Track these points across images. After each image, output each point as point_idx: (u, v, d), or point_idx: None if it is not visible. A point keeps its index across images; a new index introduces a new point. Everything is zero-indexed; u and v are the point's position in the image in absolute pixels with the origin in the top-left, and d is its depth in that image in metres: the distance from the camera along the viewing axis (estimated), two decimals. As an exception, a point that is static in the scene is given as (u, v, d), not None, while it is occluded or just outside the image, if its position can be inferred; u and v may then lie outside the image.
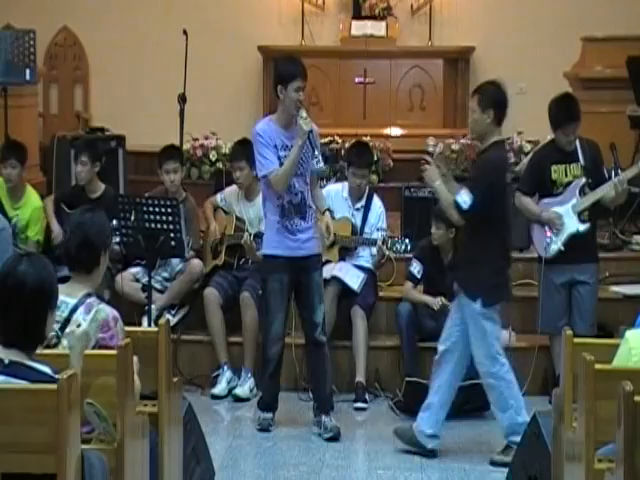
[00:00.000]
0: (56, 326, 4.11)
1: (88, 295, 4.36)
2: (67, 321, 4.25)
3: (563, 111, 6.64)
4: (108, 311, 4.33)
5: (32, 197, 7.76)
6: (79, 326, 3.89)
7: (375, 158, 9.04)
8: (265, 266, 6.43)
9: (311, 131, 6.15)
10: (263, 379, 6.58)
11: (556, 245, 6.67)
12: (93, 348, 4.32)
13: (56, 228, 7.61)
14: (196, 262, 7.39)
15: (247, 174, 7.30)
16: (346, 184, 7.39)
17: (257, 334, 7.19)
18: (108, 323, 4.29)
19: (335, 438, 6.36)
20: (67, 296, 4.33)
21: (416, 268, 7.10)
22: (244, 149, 7.41)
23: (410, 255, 7.17)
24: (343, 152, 9.34)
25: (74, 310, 4.31)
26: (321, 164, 6.44)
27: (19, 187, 7.71)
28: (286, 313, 6.39)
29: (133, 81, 11.14)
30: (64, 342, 4.15)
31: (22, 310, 3.63)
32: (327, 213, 6.45)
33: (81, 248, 4.42)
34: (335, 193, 7.35)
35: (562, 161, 6.69)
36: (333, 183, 8.00)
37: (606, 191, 6.60)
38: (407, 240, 7.00)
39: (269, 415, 6.53)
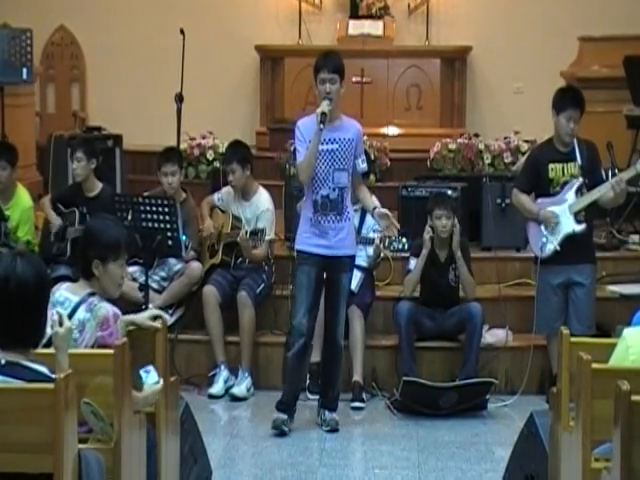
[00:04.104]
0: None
1: (91, 294, 4.39)
2: (69, 318, 4.27)
3: (569, 94, 6.67)
4: (108, 308, 4.35)
5: (22, 197, 7.74)
6: (61, 324, 3.88)
7: (372, 158, 9.04)
8: (296, 259, 6.45)
9: (323, 120, 6.09)
10: (283, 376, 6.59)
11: (552, 245, 6.66)
12: (92, 347, 4.34)
13: (54, 219, 7.60)
14: (195, 265, 7.38)
15: (239, 175, 7.31)
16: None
17: (254, 334, 7.21)
18: (108, 320, 4.31)
19: (333, 430, 6.43)
20: (71, 293, 4.40)
21: (414, 266, 7.09)
22: (235, 151, 7.45)
23: (407, 254, 7.16)
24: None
25: (76, 308, 4.36)
26: (365, 165, 6.41)
27: (9, 188, 7.71)
28: (311, 308, 6.31)
29: (130, 80, 11.14)
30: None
31: (26, 310, 3.60)
32: (378, 209, 6.36)
33: (78, 255, 4.52)
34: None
35: (559, 160, 6.68)
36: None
37: (604, 192, 6.58)
38: (404, 239, 6.99)
39: (283, 416, 6.44)
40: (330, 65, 6.29)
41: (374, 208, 6.38)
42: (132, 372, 4.21)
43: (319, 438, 6.39)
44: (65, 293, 4.42)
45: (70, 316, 4.30)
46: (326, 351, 6.55)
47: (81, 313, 4.35)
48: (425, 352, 7.17)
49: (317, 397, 6.67)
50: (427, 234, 6.98)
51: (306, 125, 6.30)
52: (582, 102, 6.65)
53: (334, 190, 6.27)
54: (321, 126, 6.14)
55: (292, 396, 6.48)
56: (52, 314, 3.89)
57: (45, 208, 7.72)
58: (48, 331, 3.94)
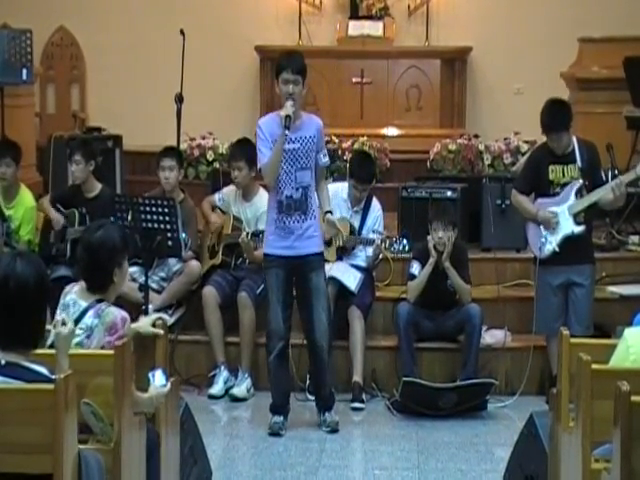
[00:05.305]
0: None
1: (100, 300, 4.40)
2: (77, 322, 4.28)
3: (547, 118, 6.58)
4: (116, 313, 4.35)
5: (25, 197, 7.75)
6: (64, 324, 3.88)
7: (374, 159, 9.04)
8: (264, 263, 6.46)
9: (288, 125, 6.06)
10: (268, 378, 6.58)
11: (551, 245, 6.67)
12: None
13: (55, 216, 7.59)
14: (194, 264, 7.38)
15: (245, 174, 7.31)
16: (346, 185, 7.37)
17: (254, 334, 7.20)
18: (116, 325, 4.32)
19: (333, 431, 6.43)
20: (80, 298, 4.42)
21: (417, 269, 7.07)
22: (243, 149, 7.42)
23: (407, 255, 7.16)
24: (340, 152, 9.35)
25: (84, 312, 4.36)
26: (326, 159, 6.41)
27: (13, 186, 7.72)
28: (285, 309, 6.32)
29: (130, 81, 11.14)
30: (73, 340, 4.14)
31: (26, 310, 3.60)
32: (328, 215, 6.41)
33: (91, 270, 4.46)
34: (334, 193, 7.27)
35: (560, 161, 6.68)
36: (331, 183, 7.96)
37: (603, 194, 6.59)
38: (404, 240, 6.99)
39: (279, 419, 6.47)
40: (294, 66, 6.25)
41: (327, 212, 6.39)
42: (141, 374, 4.21)
43: (319, 439, 6.39)
44: (75, 297, 4.44)
45: (77, 320, 4.31)
46: (309, 353, 6.55)
47: (89, 319, 4.36)
48: (425, 353, 7.16)
49: (316, 398, 6.68)
50: (431, 242, 6.97)
51: (267, 124, 6.27)
52: (562, 123, 6.56)
53: (297, 190, 6.24)
54: (286, 132, 6.12)
55: (282, 397, 6.49)
56: (59, 314, 3.91)
57: (45, 208, 7.73)
58: (52, 333, 3.95)
